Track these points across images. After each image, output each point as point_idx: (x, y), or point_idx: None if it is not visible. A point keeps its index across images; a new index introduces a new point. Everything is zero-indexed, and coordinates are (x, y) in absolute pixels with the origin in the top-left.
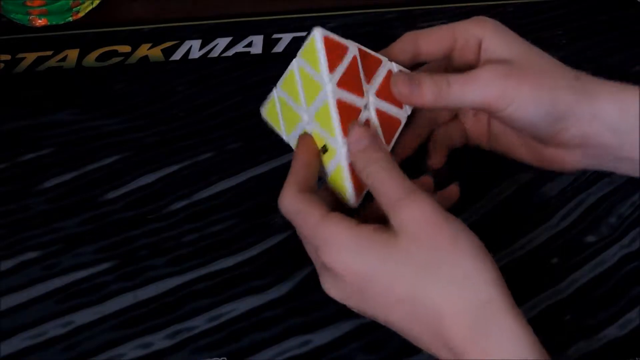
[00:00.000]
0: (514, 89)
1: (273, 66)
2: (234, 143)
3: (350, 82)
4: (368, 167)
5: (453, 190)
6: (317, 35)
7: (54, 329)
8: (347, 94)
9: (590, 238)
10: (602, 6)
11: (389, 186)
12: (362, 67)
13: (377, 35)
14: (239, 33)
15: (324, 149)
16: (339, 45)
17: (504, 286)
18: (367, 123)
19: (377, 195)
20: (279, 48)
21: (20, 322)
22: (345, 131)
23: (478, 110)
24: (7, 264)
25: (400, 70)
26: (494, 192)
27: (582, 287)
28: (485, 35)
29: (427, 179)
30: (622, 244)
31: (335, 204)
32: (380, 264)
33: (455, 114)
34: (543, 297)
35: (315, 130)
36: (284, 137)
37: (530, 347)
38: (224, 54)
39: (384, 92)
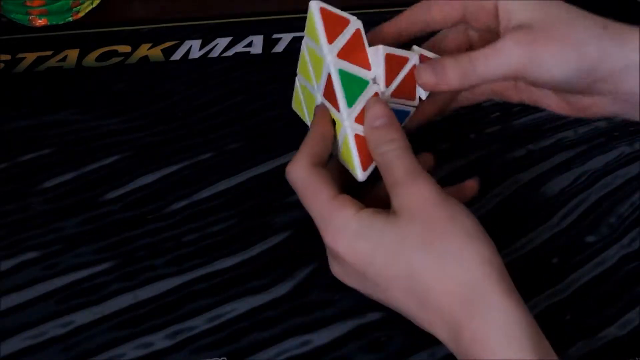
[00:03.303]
0: (539, 55)
1: (273, 66)
2: (234, 143)
3: (353, 54)
4: (381, 146)
5: (470, 185)
6: (314, 6)
7: (54, 329)
8: (349, 65)
9: (590, 238)
10: (602, 6)
11: (396, 167)
12: (385, 66)
13: None
14: (239, 33)
15: (333, 123)
16: (337, 17)
17: (499, 265)
18: (376, 96)
19: (384, 175)
20: (279, 48)
21: (20, 322)
22: (350, 102)
23: (505, 80)
24: (7, 264)
25: (421, 62)
26: (494, 192)
27: (582, 287)
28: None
29: (427, 156)
30: (622, 244)
31: (343, 182)
32: (378, 244)
33: None
34: (543, 297)
35: (326, 107)
36: (309, 124)
37: (523, 324)
38: (224, 54)
39: (400, 89)
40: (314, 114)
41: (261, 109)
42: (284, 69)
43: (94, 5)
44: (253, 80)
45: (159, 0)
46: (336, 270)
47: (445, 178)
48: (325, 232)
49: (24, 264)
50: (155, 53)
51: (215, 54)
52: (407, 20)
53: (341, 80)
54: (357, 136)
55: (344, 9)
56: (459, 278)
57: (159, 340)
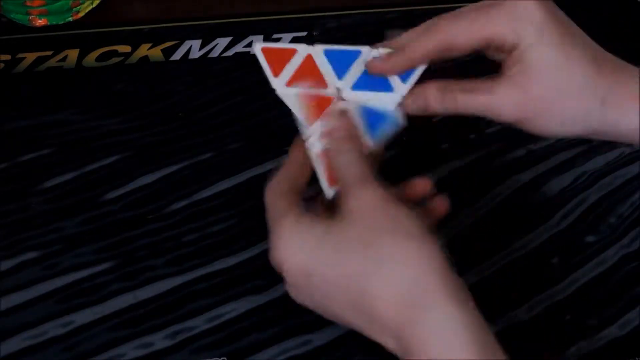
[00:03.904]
0: (531, 123)
1: None
2: (234, 143)
3: (305, 78)
4: (337, 155)
5: (439, 203)
6: (256, 48)
7: (54, 329)
8: (303, 89)
9: (590, 238)
10: (602, 6)
11: (347, 174)
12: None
13: (377, 35)
14: (239, 33)
15: None
16: (281, 50)
17: (442, 262)
18: (345, 111)
19: (340, 180)
20: None
21: (20, 322)
22: (310, 121)
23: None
24: (7, 264)
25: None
26: (494, 192)
27: (582, 287)
28: (522, 40)
29: (440, 201)
30: (622, 244)
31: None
32: (317, 253)
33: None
34: (543, 297)
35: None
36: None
37: (466, 325)
38: (224, 54)
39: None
40: (293, 143)
41: (261, 109)
42: None
43: (94, 5)
44: (253, 80)
45: (159, 0)
46: (289, 289)
47: (445, 178)
48: (270, 254)
49: (24, 264)
50: (155, 53)
51: (215, 54)
52: (425, 47)
53: (299, 104)
54: (321, 153)
55: (343, 9)
56: (397, 278)
57: (159, 340)
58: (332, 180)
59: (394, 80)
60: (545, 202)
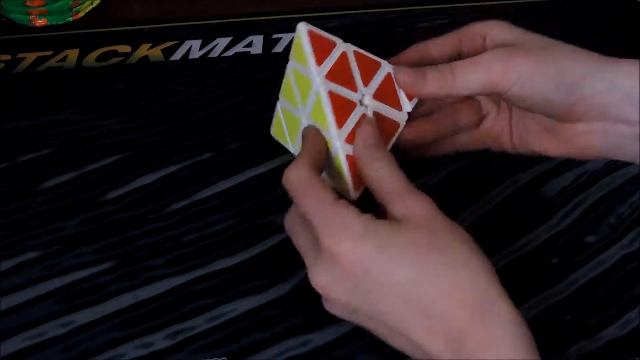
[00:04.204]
0: (516, 66)
1: (273, 66)
2: (234, 143)
3: (340, 75)
4: (374, 163)
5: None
6: (302, 29)
7: (54, 329)
8: (338, 87)
9: (590, 238)
10: (602, 6)
11: (392, 181)
12: (359, 68)
13: (377, 35)
14: (239, 33)
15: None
16: (325, 39)
17: (497, 276)
18: (363, 118)
19: (379, 187)
20: (279, 48)
21: (20, 322)
22: (340, 123)
23: (485, 94)
24: (7, 264)
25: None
26: (493, 192)
27: (582, 287)
28: (490, 30)
29: None
30: (622, 244)
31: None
32: (383, 247)
33: (480, 119)
34: (543, 297)
35: None
36: (291, 149)
37: (524, 327)
38: (224, 54)
39: (383, 95)
40: (306, 133)
41: (261, 109)
42: (284, 69)
43: (94, 5)
44: (253, 80)
45: (159, 0)
46: (323, 279)
47: (445, 178)
48: (325, 232)
49: (24, 264)
50: (155, 53)
51: (215, 54)
52: (406, 61)
53: (331, 102)
54: (348, 156)
55: (343, 9)
56: (469, 287)
57: (159, 340)
58: (359, 184)
59: (402, 97)
60: (545, 202)
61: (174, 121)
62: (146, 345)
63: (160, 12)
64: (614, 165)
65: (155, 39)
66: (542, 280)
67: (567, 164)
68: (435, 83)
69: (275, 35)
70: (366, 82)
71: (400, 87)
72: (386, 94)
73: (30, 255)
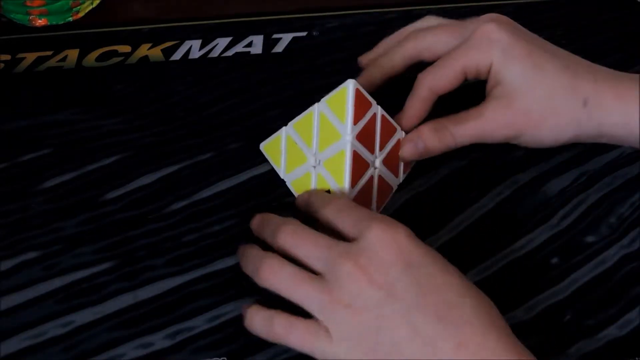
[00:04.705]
0: (520, 135)
1: (273, 66)
2: (234, 143)
3: (366, 137)
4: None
5: None
6: (351, 86)
7: (54, 329)
8: (362, 148)
9: (590, 238)
10: (601, 6)
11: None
12: (381, 132)
13: (377, 35)
14: (239, 33)
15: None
16: (366, 100)
17: None
18: (371, 180)
19: None
20: (279, 48)
21: (20, 322)
22: (353, 182)
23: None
24: (7, 264)
25: (382, 123)
26: (493, 193)
27: (582, 287)
28: (493, 60)
29: None
30: (622, 244)
31: None
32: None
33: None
34: (543, 297)
35: (321, 175)
36: (281, 174)
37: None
38: (224, 54)
39: (389, 160)
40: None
41: (261, 109)
42: (284, 69)
43: (94, 5)
44: (253, 80)
45: (159, 0)
46: (363, 262)
47: (445, 178)
48: (380, 220)
49: (24, 264)
50: (155, 53)
51: (215, 54)
52: (413, 118)
53: (352, 161)
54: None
55: (343, 9)
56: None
57: (159, 340)
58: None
59: (401, 166)
60: (545, 202)
61: (174, 121)
62: (146, 345)
63: (160, 12)
64: (614, 166)
65: (155, 39)
66: (542, 280)
67: (567, 164)
68: (437, 150)
69: (275, 35)
70: (382, 147)
71: (402, 161)
72: (391, 159)
73: (30, 255)
